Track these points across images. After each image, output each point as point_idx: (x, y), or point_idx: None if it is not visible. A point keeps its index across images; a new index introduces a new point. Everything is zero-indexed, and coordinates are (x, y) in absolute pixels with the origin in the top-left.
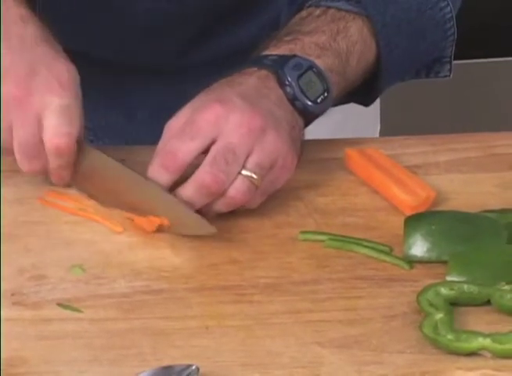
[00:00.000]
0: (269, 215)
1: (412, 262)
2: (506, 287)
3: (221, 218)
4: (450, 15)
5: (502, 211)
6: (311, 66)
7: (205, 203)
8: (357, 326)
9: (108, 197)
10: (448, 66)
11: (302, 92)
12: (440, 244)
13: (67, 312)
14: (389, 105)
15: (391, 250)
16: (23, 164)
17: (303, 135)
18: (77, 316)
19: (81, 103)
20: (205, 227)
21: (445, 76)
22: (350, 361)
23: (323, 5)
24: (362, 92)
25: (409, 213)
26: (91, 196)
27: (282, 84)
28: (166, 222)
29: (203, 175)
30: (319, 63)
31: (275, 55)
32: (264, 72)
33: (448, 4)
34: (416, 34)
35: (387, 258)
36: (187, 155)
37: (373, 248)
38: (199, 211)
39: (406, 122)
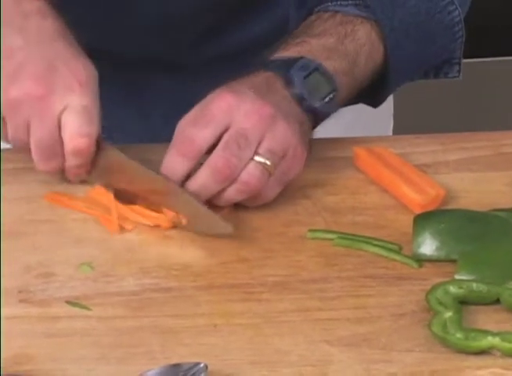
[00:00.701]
0: (278, 214)
1: (421, 260)
2: None
3: (230, 217)
4: (458, 18)
5: None
6: (317, 67)
7: (218, 189)
8: (366, 324)
9: (125, 194)
10: (458, 68)
11: (309, 92)
12: (449, 242)
13: (75, 310)
14: (402, 103)
15: (401, 248)
16: (40, 163)
17: (311, 135)
18: (86, 313)
19: (98, 101)
20: (222, 226)
21: (454, 77)
22: (358, 359)
23: (332, 10)
24: (370, 94)
25: (418, 212)
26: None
27: (288, 85)
28: (184, 220)
29: (216, 159)
30: (326, 64)
31: (283, 57)
32: (270, 74)
33: (456, 7)
34: (424, 37)
35: (397, 257)
36: (203, 141)
37: (382, 247)
38: (214, 206)
39: (419, 121)
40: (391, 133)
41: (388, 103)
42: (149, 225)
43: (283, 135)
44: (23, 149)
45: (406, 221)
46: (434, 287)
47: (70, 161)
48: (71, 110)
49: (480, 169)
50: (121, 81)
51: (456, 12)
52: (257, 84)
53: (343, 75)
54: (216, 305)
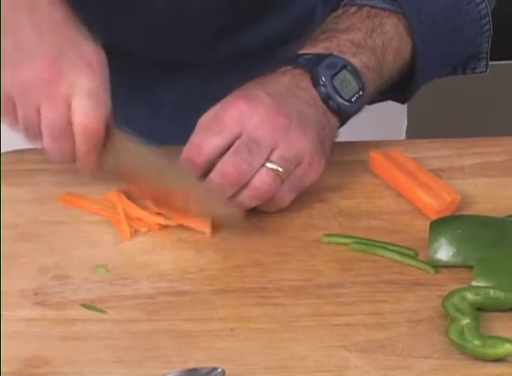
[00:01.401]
0: (293, 218)
1: (437, 266)
2: None
3: (245, 221)
4: (486, 11)
5: None
6: (345, 65)
7: (229, 194)
8: (382, 330)
9: (135, 180)
10: (485, 62)
11: (336, 91)
12: (466, 248)
13: (91, 313)
14: (416, 107)
15: (416, 254)
16: (51, 146)
17: (336, 134)
18: (101, 316)
19: (108, 85)
20: (234, 214)
21: (482, 72)
22: (375, 365)
23: (358, 3)
24: (398, 89)
25: (433, 217)
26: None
27: (315, 83)
28: (193, 207)
29: (226, 164)
30: (354, 61)
31: (310, 54)
32: (298, 71)
33: (483, 0)
34: (452, 30)
35: (413, 263)
36: (212, 149)
37: (398, 252)
38: None
39: (432, 124)
40: (403, 136)
41: (402, 106)
42: (161, 226)
43: (297, 143)
44: (33, 134)
45: (422, 226)
46: (451, 294)
47: (81, 145)
48: (81, 92)
49: (495, 174)
50: (134, 79)
51: (483, 4)
52: (278, 86)
53: (371, 71)
54: (232, 310)
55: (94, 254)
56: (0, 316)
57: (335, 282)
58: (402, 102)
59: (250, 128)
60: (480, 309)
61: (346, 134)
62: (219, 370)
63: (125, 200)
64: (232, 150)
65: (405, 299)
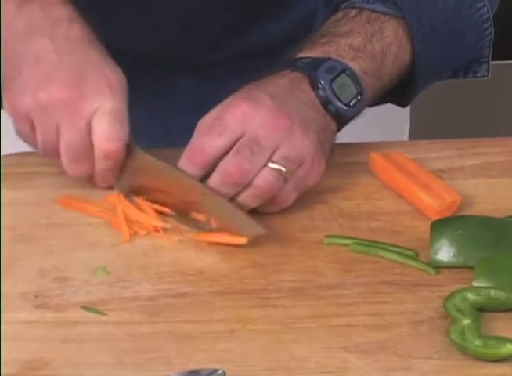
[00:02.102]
0: (294, 219)
1: (438, 267)
2: None
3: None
4: (487, 15)
5: None
6: (344, 69)
7: (231, 194)
8: (383, 331)
9: (155, 196)
10: (486, 66)
11: (335, 95)
12: (466, 249)
13: (92, 315)
14: (418, 108)
15: (417, 255)
16: (70, 166)
17: (334, 138)
18: (102, 319)
19: (127, 105)
20: (253, 228)
21: (483, 76)
22: (376, 366)
23: (358, 7)
24: (398, 93)
25: (434, 217)
26: (135, 193)
27: (314, 87)
28: (214, 223)
29: (227, 164)
30: (353, 65)
31: (309, 57)
32: (297, 74)
33: (485, 4)
34: (452, 35)
35: (413, 263)
36: (214, 150)
37: (398, 253)
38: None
39: (435, 126)
40: (406, 137)
41: (405, 108)
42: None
43: (299, 143)
44: (51, 153)
45: (422, 227)
46: (452, 294)
47: (100, 165)
48: (101, 113)
49: (496, 175)
50: (140, 81)
51: (485, 8)
52: (279, 88)
53: (370, 76)
54: (232, 311)
55: (94, 257)
56: (0, 319)
57: (335, 283)
58: (402, 105)
59: (253, 128)
60: (481, 310)
61: (349, 135)
62: (220, 371)
63: (125, 202)
64: (234, 150)
65: (405, 300)
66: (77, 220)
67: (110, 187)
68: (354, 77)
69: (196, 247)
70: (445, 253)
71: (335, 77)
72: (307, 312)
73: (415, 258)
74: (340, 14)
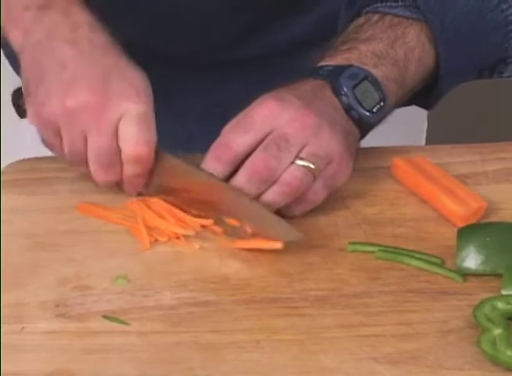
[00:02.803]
0: (316, 226)
1: (465, 274)
2: None
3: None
4: None
5: None
6: (366, 76)
7: (257, 191)
8: (412, 341)
9: (184, 201)
10: None
11: (358, 101)
12: (494, 256)
13: (113, 325)
14: (436, 110)
15: (443, 262)
16: (99, 173)
17: (358, 145)
18: (124, 328)
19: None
20: (291, 233)
21: (509, 76)
22: None
23: (381, 11)
24: (423, 96)
25: (459, 224)
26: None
27: (337, 93)
28: (249, 229)
29: (254, 160)
30: (375, 72)
31: (331, 65)
32: (319, 82)
33: (510, 6)
34: (476, 37)
35: (440, 271)
36: (240, 147)
37: (425, 260)
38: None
39: (452, 129)
40: (423, 140)
41: (422, 110)
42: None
43: (327, 142)
44: (79, 161)
45: (447, 233)
46: (482, 303)
47: (129, 171)
48: (129, 117)
49: None
50: (157, 82)
51: (510, 10)
52: (304, 92)
53: (392, 82)
54: (257, 321)
55: (114, 265)
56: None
57: (361, 291)
58: (427, 108)
59: (280, 126)
60: (510, 319)
61: (366, 138)
62: None
63: (145, 209)
64: (261, 147)
65: (433, 309)
66: (97, 227)
67: (139, 194)
68: (376, 83)
69: (217, 254)
70: (472, 260)
71: (357, 84)
72: (334, 322)
73: (441, 265)
74: (362, 19)
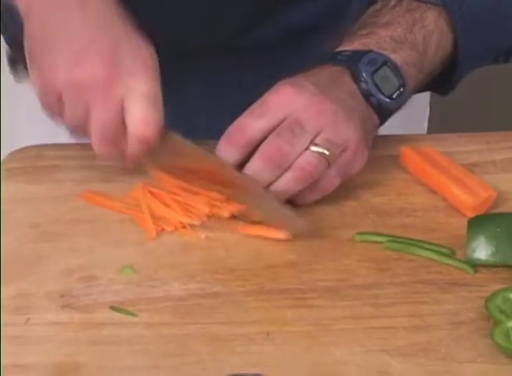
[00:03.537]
0: (324, 216)
1: (476, 265)
2: None
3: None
4: None
5: None
6: (385, 62)
7: (272, 177)
8: (423, 333)
9: (187, 179)
10: None
11: (377, 87)
12: (505, 247)
13: (120, 316)
14: (437, 103)
15: (453, 253)
16: (100, 146)
17: (377, 132)
18: (131, 320)
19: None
20: (299, 224)
21: None
22: (419, 371)
23: None
24: (440, 81)
25: (469, 214)
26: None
27: (356, 79)
28: (255, 216)
29: (268, 146)
30: (394, 57)
31: (349, 50)
32: (338, 68)
33: None
34: (494, 22)
35: (450, 262)
36: (254, 131)
37: (434, 251)
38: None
39: (454, 116)
40: (425, 127)
41: (424, 97)
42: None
43: (343, 129)
44: (79, 130)
45: (457, 223)
46: (493, 295)
47: (134, 147)
48: (137, 94)
49: None
50: (165, 71)
51: None
52: (321, 78)
53: (412, 67)
54: (266, 312)
55: (120, 255)
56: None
57: (371, 282)
58: (443, 94)
59: (295, 111)
60: None
61: None
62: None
63: (150, 198)
64: (275, 132)
65: (444, 300)
66: (102, 216)
67: (139, 167)
68: (395, 69)
69: (224, 244)
70: (483, 251)
71: (377, 70)
72: (344, 313)
73: (451, 256)
74: (379, 5)
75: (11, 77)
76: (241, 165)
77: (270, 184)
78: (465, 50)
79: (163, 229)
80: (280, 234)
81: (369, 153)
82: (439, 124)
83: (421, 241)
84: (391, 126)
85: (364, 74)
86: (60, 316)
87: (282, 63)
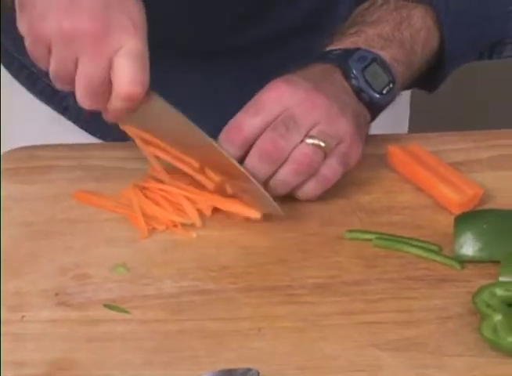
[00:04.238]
0: (313, 214)
1: (463, 261)
2: None
3: (264, 217)
4: None
5: None
6: (375, 58)
7: (269, 171)
8: (412, 327)
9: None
10: (511, 47)
11: (368, 83)
12: (491, 243)
13: (114, 313)
14: (418, 102)
15: (441, 249)
16: (84, 99)
17: (369, 127)
18: (125, 317)
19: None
20: (270, 204)
21: (508, 56)
22: (409, 364)
23: None
24: (426, 78)
25: (455, 211)
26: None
27: (347, 76)
28: (229, 188)
29: (263, 141)
30: (383, 54)
31: (339, 49)
32: (328, 66)
33: None
34: (479, 20)
35: (438, 258)
36: (251, 128)
37: (422, 248)
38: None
39: (435, 116)
40: (406, 127)
41: (405, 97)
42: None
43: (338, 122)
44: (63, 81)
45: (444, 221)
46: (481, 290)
47: (117, 105)
48: (126, 53)
49: None
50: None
51: None
52: (313, 75)
53: (400, 64)
54: (258, 308)
55: (113, 253)
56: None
57: (360, 279)
58: (430, 90)
59: (290, 107)
60: (510, 305)
61: None
62: (253, 371)
63: (142, 197)
64: (270, 127)
65: (432, 296)
66: (94, 215)
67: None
68: (385, 65)
69: (216, 242)
70: (470, 247)
71: (366, 66)
72: (334, 309)
73: (439, 252)
74: (367, 4)
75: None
76: (240, 162)
77: (269, 178)
78: (451, 47)
79: (154, 228)
80: (252, 213)
81: (363, 147)
82: (420, 123)
83: (409, 238)
84: (374, 126)
85: (354, 71)
86: (55, 313)
87: (272, 63)
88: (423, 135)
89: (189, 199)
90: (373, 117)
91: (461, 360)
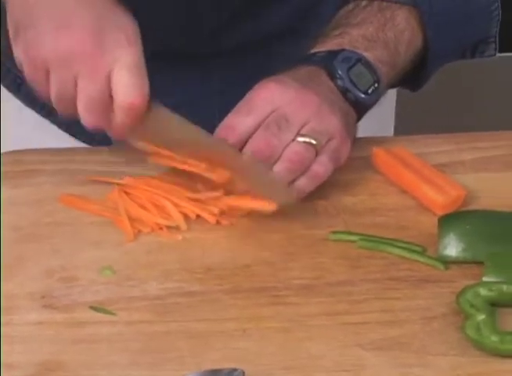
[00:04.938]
0: (297, 216)
1: (447, 262)
2: None
3: (249, 219)
4: None
5: None
6: (360, 59)
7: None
8: (396, 327)
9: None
10: (494, 46)
11: (353, 83)
12: (475, 244)
13: (101, 315)
14: (404, 105)
15: (425, 250)
16: (88, 119)
17: (356, 127)
18: (112, 319)
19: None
20: (285, 193)
21: (491, 55)
22: (393, 363)
23: None
24: (410, 77)
25: (439, 212)
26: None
27: (333, 77)
28: (240, 184)
29: (256, 140)
30: (367, 55)
31: (324, 51)
32: (314, 68)
33: None
34: (462, 20)
35: (422, 259)
36: (243, 128)
37: (406, 249)
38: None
39: (420, 119)
40: (392, 130)
41: (390, 100)
42: (163, 226)
43: (328, 120)
44: (66, 104)
45: (428, 222)
46: (464, 290)
47: (120, 118)
48: (123, 66)
49: (497, 169)
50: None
51: None
52: (300, 76)
53: (384, 65)
54: (244, 309)
55: (99, 256)
56: (0, 321)
57: (344, 280)
58: (414, 90)
59: (281, 106)
60: (493, 305)
61: None
62: (238, 370)
63: (127, 200)
64: (262, 126)
65: (416, 296)
66: (80, 219)
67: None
68: (369, 66)
69: (201, 244)
70: (453, 248)
71: (351, 67)
72: (319, 310)
73: (423, 253)
74: (351, 5)
75: None
76: None
77: None
78: (435, 47)
79: (140, 231)
80: (268, 205)
81: (352, 145)
82: (406, 126)
83: (393, 239)
84: (360, 129)
85: (340, 71)
86: (42, 316)
87: (257, 66)
88: (408, 137)
89: (174, 203)
90: (359, 116)
91: (445, 359)
